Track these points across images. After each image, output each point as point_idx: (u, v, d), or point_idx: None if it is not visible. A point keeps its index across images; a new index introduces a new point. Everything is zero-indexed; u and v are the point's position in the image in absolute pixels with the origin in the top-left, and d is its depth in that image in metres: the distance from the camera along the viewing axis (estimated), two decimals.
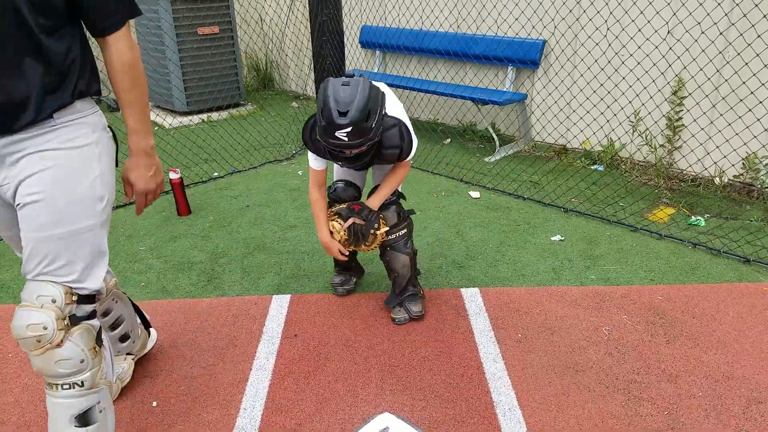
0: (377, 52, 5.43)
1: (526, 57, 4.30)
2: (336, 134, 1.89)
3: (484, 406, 1.96)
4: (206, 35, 5.48)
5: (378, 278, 2.75)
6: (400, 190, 2.43)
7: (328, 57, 4.33)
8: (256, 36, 6.97)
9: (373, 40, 5.36)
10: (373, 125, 1.94)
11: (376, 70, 5.47)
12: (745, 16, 3.21)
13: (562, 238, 3.09)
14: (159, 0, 5.17)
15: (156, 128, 5.29)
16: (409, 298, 2.44)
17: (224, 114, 5.63)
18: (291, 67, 6.71)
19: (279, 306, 2.56)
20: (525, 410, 1.93)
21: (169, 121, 5.42)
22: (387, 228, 2.31)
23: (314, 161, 2.27)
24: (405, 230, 2.38)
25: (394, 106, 2.21)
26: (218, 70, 5.61)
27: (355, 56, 5.74)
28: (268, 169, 4.25)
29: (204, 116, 5.54)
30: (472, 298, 2.58)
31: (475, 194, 3.69)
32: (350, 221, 2.24)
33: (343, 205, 2.30)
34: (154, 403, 2.00)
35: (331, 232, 2.29)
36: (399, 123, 2.12)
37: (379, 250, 2.41)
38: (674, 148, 3.80)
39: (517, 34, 4.38)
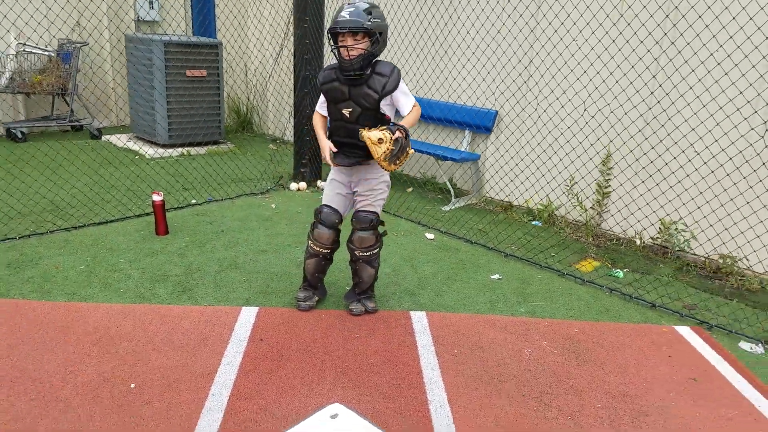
0: None
1: (481, 123, 4.90)
2: (341, 13, 2.51)
3: (420, 402, 2.30)
4: (194, 77, 5.92)
5: (337, 299, 3.10)
6: (381, 218, 2.85)
7: (307, 108, 4.81)
8: (240, 82, 7.47)
9: None
10: (370, 20, 2.52)
11: None
12: (659, 102, 3.88)
13: (501, 277, 3.53)
14: (154, 41, 5.61)
15: (136, 157, 5.60)
16: (366, 297, 2.97)
17: (203, 149, 6.00)
18: (271, 113, 7.20)
19: (248, 316, 2.88)
20: (453, 408, 2.29)
21: (150, 151, 5.74)
22: (413, 152, 2.70)
23: (319, 105, 2.81)
24: (377, 249, 2.87)
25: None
26: (202, 110, 6.03)
27: None
28: (243, 200, 4.61)
29: (184, 150, 5.89)
30: (419, 319, 2.96)
31: (430, 236, 4.13)
32: (398, 133, 2.53)
33: (388, 130, 2.55)
34: (132, 385, 2.27)
35: (381, 141, 2.50)
36: (394, 66, 2.66)
37: (350, 257, 2.87)
38: (603, 211, 4.37)
39: (474, 104, 5.00)
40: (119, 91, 6.89)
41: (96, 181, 4.69)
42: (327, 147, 2.75)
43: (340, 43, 2.56)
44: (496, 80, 4.80)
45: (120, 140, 6.11)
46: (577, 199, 4.44)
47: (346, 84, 2.65)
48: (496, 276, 3.54)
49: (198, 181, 4.96)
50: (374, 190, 2.83)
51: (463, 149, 5.06)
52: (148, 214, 3.96)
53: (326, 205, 2.88)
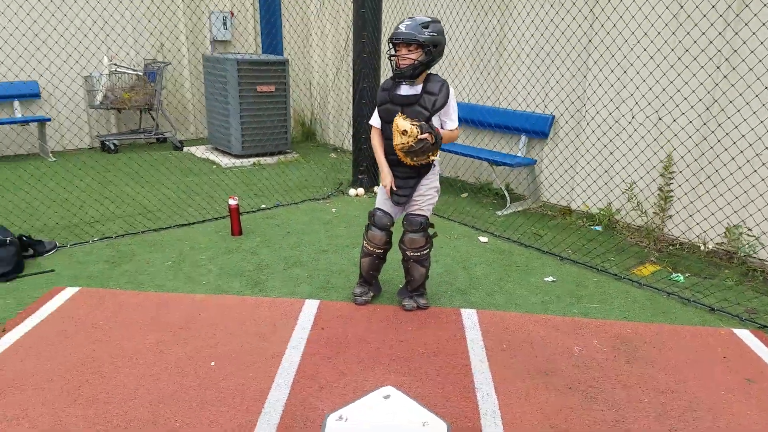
0: None
1: (536, 128, 4.98)
2: (399, 25, 2.77)
3: (468, 390, 2.47)
4: (264, 93, 6.38)
5: (391, 296, 3.32)
6: (430, 220, 3.05)
7: (365, 119, 5.09)
8: (304, 96, 7.91)
9: None
10: (426, 35, 2.75)
11: None
12: (716, 102, 3.84)
13: (554, 280, 3.62)
14: (228, 60, 6.11)
15: (213, 166, 6.10)
16: (419, 295, 3.17)
17: (273, 159, 6.43)
18: (332, 124, 7.57)
19: (311, 307, 3.15)
20: (500, 396, 2.43)
21: (225, 161, 6.23)
22: (437, 158, 2.95)
23: (374, 119, 3.02)
24: (428, 250, 3.08)
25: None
26: (271, 122, 6.47)
27: None
28: (307, 205, 4.94)
29: (256, 159, 6.35)
30: (469, 316, 3.11)
31: (483, 239, 4.27)
32: (427, 136, 2.75)
33: (420, 123, 2.78)
34: (213, 363, 2.58)
35: (405, 132, 2.74)
36: (445, 81, 2.88)
37: (402, 257, 3.08)
38: (664, 215, 4.34)
39: (529, 108, 5.09)
40: (198, 106, 7.49)
41: (179, 187, 5.18)
42: (388, 177, 3.00)
43: (396, 52, 2.80)
44: (552, 84, 4.88)
45: (199, 151, 6.66)
46: (638, 203, 4.43)
47: (398, 104, 2.88)
48: (550, 278, 3.63)
49: (267, 187, 5.35)
50: (424, 196, 3.04)
51: (518, 154, 5.16)
52: (224, 217, 4.36)
53: (379, 209, 3.11)
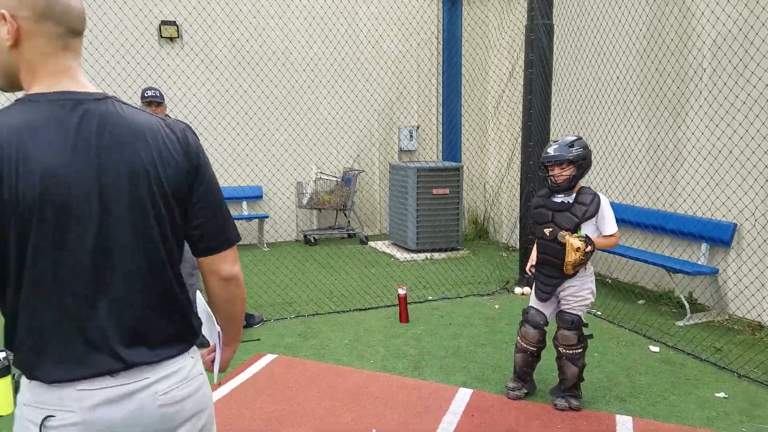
0: None
1: (716, 236, 4.74)
2: (547, 149, 3.16)
3: None
4: (439, 195, 7.09)
5: (546, 395, 3.43)
6: (584, 320, 3.21)
7: (530, 219, 5.40)
8: (478, 197, 8.50)
9: None
10: (573, 153, 3.08)
11: None
12: None
13: (726, 396, 3.36)
14: (410, 168, 7.01)
15: (391, 260, 6.87)
16: (572, 395, 3.23)
17: (443, 255, 6.98)
18: (504, 223, 7.95)
19: (463, 395, 3.42)
20: None
21: (401, 255, 6.97)
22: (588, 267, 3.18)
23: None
24: (581, 349, 3.21)
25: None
26: (444, 221, 7.10)
27: None
28: (471, 299, 5.29)
29: (428, 254, 6.97)
30: (624, 423, 3.08)
31: (654, 348, 4.12)
32: (590, 248, 3.06)
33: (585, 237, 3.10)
34: (374, 430, 3.00)
35: (578, 249, 3.04)
36: (597, 194, 3.14)
37: (556, 354, 3.23)
38: None
39: (708, 215, 4.88)
40: (383, 206, 8.54)
41: (361, 276, 5.96)
42: (530, 260, 3.36)
43: (549, 172, 3.18)
44: (733, 188, 4.67)
45: (380, 246, 7.55)
46: None
47: (551, 210, 3.22)
48: (721, 394, 3.38)
49: (435, 281, 5.85)
50: (576, 296, 3.22)
51: (699, 262, 4.91)
52: (395, 305, 4.92)
53: (532, 307, 3.35)
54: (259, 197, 7.81)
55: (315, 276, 5.97)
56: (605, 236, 3.16)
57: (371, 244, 7.72)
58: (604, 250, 5.42)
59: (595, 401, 3.34)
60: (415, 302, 5.17)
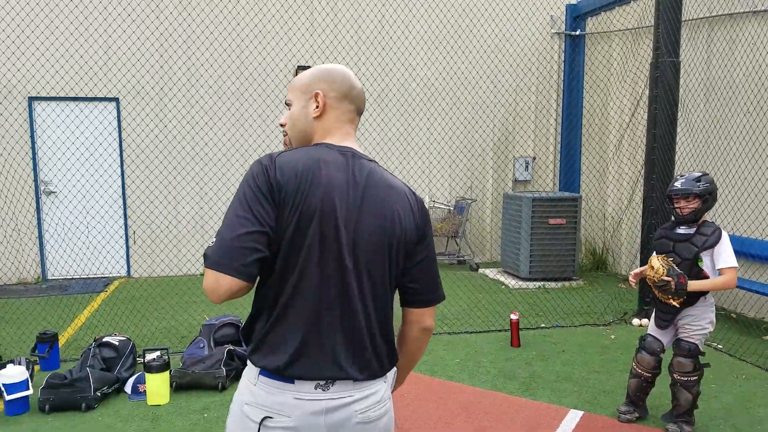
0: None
1: None
2: (674, 183, 3.40)
3: None
4: (555, 224, 7.29)
5: (657, 420, 3.57)
6: (701, 349, 3.38)
7: (652, 252, 5.46)
8: (597, 227, 8.52)
9: None
10: (700, 187, 3.31)
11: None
12: None
13: None
14: (525, 198, 7.31)
15: (502, 287, 7.17)
16: (684, 421, 3.39)
17: (558, 284, 7.14)
18: (624, 254, 7.90)
19: (574, 416, 3.67)
20: None
21: (513, 283, 7.24)
22: (679, 304, 3.33)
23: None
24: (696, 377, 3.38)
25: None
26: (559, 251, 7.27)
27: None
28: (585, 329, 5.45)
29: (541, 283, 7.17)
30: None
31: None
32: (669, 279, 3.28)
33: (670, 266, 3.34)
34: None
35: (653, 268, 3.36)
36: (718, 227, 3.34)
37: (670, 380, 3.42)
38: None
39: None
40: (494, 234, 8.86)
41: (472, 301, 6.34)
42: (637, 271, 3.68)
43: (675, 204, 3.43)
44: None
45: (491, 273, 7.87)
46: None
47: (672, 240, 3.45)
48: None
49: (549, 309, 6.06)
50: (693, 325, 3.39)
51: None
52: (506, 330, 5.24)
53: (650, 334, 3.56)
54: None
55: None
56: (720, 273, 3.30)
57: (482, 271, 8.07)
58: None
59: (709, 429, 3.44)
60: (527, 328, 5.44)
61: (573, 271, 7.36)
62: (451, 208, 8.43)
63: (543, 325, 5.59)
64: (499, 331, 5.36)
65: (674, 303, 3.36)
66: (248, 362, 1.50)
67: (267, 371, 1.45)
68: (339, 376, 1.45)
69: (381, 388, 1.54)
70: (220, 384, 4.13)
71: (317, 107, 1.54)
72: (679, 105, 5.68)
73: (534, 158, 9.01)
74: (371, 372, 1.50)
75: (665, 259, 3.39)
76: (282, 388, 1.44)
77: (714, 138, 6.19)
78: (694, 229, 3.39)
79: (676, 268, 3.33)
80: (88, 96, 7.56)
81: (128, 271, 7.85)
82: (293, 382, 1.43)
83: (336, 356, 1.45)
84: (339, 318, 1.46)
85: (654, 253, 3.52)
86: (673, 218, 3.51)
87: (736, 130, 5.91)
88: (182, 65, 7.72)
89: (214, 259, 1.37)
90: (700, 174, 3.41)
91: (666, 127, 5.51)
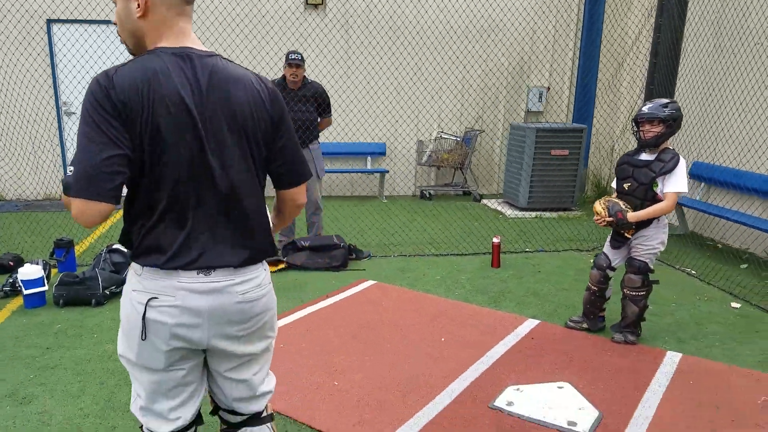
0: (702, 184, 6.36)
1: None
2: (642, 108, 3.59)
3: (633, 399, 3.03)
4: (557, 156, 7.47)
5: (608, 332, 3.93)
6: (651, 267, 3.68)
7: None
8: (605, 159, 8.64)
9: (700, 174, 6.33)
10: (665, 112, 3.50)
11: (698, 198, 6.36)
12: None
13: None
14: (529, 128, 7.46)
15: (499, 216, 7.48)
16: (629, 331, 3.76)
17: (555, 214, 7.41)
18: None
19: (530, 324, 4.06)
20: (659, 410, 2.91)
21: (510, 212, 7.54)
22: (631, 235, 3.67)
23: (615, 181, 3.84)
24: (644, 292, 3.70)
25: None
26: (559, 182, 7.49)
27: None
28: (567, 254, 5.78)
29: (538, 213, 7.45)
30: (672, 357, 3.53)
31: (735, 305, 4.36)
32: (612, 220, 3.64)
33: (614, 202, 3.68)
34: (443, 339, 3.81)
35: (595, 212, 3.77)
36: (677, 154, 3.56)
37: (622, 295, 3.77)
38: None
39: None
40: (503, 167, 9.07)
41: (464, 228, 6.69)
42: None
43: (639, 128, 3.64)
44: None
45: (492, 203, 8.17)
46: None
47: (632, 166, 3.69)
48: None
49: (538, 236, 6.38)
50: (645, 245, 3.68)
51: None
52: (491, 253, 5.60)
53: (603, 252, 3.87)
54: (383, 153, 8.81)
55: (422, 225, 6.83)
56: (667, 195, 3.54)
57: (484, 201, 8.36)
58: (715, 214, 5.55)
59: (654, 339, 3.80)
60: (511, 252, 5.80)
61: (572, 202, 7.59)
62: (459, 139, 8.64)
63: (527, 249, 5.93)
64: (485, 254, 5.73)
65: (627, 235, 3.67)
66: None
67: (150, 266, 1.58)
68: (218, 264, 1.59)
69: (260, 274, 1.71)
70: None
71: (138, 6, 1.51)
72: (684, 34, 5.69)
73: (548, 89, 9.04)
74: (250, 258, 1.65)
75: (604, 199, 3.73)
76: (166, 275, 1.57)
77: (720, 69, 6.18)
78: (655, 155, 3.61)
79: (617, 203, 3.65)
80: (105, 19, 7.90)
81: None
82: (176, 271, 1.57)
83: (214, 247, 1.59)
84: (212, 214, 1.58)
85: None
86: (637, 141, 3.72)
87: (744, 62, 5.89)
88: None
89: (80, 187, 1.42)
90: (668, 101, 3.61)
91: (667, 57, 5.56)
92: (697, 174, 6.41)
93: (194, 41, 1.58)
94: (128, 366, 1.68)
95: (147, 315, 1.56)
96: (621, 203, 3.67)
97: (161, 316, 1.57)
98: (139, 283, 1.59)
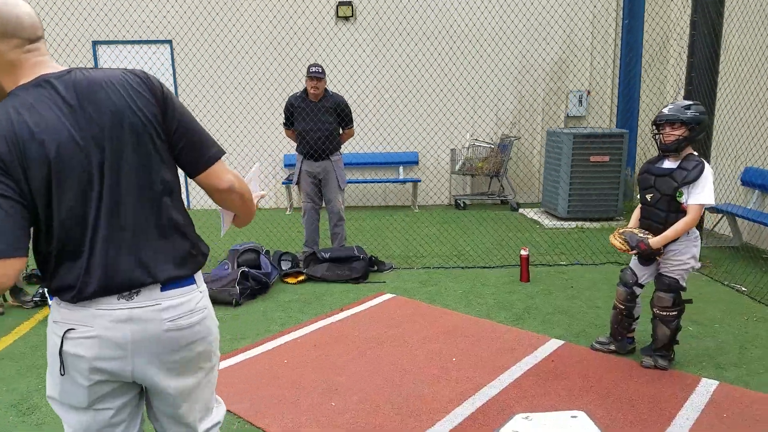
0: (756, 191, 5.87)
1: None
2: (662, 109, 3.32)
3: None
4: (597, 162, 7.10)
5: (637, 355, 3.63)
6: (683, 285, 3.38)
7: None
8: None
9: (754, 180, 5.85)
10: (688, 115, 3.24)
11: (750, 206, 5.88)
12: None
13: None
14: (565, 134, 7.14)
15: (537, 226, 7.17)
16: (660, 355, 3.45)
17: (597, 224, 7.04)
18: None
19: (553, 344, 3.81)
20: None
21: (548, 222, 7.22)
22: (659, 258, 3.40)
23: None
24: (675, 312, 3.40)
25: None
26: (600, 190, 7.11)
27: (732, 191, 6.27)
28: (607, 267, 5.44)
29: (578, 223, 7.10)
30: (707, 385, 3.21)
31: None
32: (633, 253, 3.44)
33: (630, 232, 3.45)
34: (454, 359, 3.62)
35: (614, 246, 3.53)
36: (701, 161, 3.26)
37: (652, 315, 3.48)
38: None
39: None
40: (541, 175, 8.74)
41: (497, 239, 6.44)
42: (630, 224, 3.63)
43: (660, 131, 3.37)
44: None
45: (530, 213, 7.86)
46: None
47: (653, 175, 3.41)
48: None
49: (574, 248, 6.05)
50: (676, 260, 3.37)
51: None
52: (517, 265, 5.34)
53: (629, 267, 3.58)
54: (415, 162, 8.66)
55: (452, 236, 6.63)
56: (692, 206, 3.24)
57: (521, 211, 8.06)
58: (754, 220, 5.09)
59: (690, 364, 3.47)
60: (543, 264, 5.51)
61: (615, 211, 7.19)
62: (495, 146, 8.38)
63: (563, 262, 5.63)
64: (514, 266, 5.47)
65: (658, 258, 3.42)
66: None
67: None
68: (135, 285, 1.49)
69: (193, 297, 1.58)
70: (234, 300, 4.66)
71: None
72: (724, 29, 5.28)
73: (589, 92, 8.66)
74: (174, 266, 1.54)
75: (618, 233, 3.48)
76: (83, 305, 1.48)
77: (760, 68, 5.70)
78: (677, 163, 3.32)
79: (634, 234, 3.40)
80: (146, 39, 8.17)
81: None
82: (93, 300, 1.47)
83: (126, 268, 1.49)
84: (115, 238, 1.48)
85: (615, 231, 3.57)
86: (657, 147, 3.42)
87: None
88: (227, 9, 8.09)
89: None
90: (691, 102, 3.33)
91: (705, 55, 5.18)
92: (749, 181, 5.92)
93: (49, 67, 1.48)
94: (56, 408, 1.58)
95: (64, 348, 1.47)
96: (637, 231, 3.42)
97: (78, 349, 1.47)
98: (58, 312, 1.50)
